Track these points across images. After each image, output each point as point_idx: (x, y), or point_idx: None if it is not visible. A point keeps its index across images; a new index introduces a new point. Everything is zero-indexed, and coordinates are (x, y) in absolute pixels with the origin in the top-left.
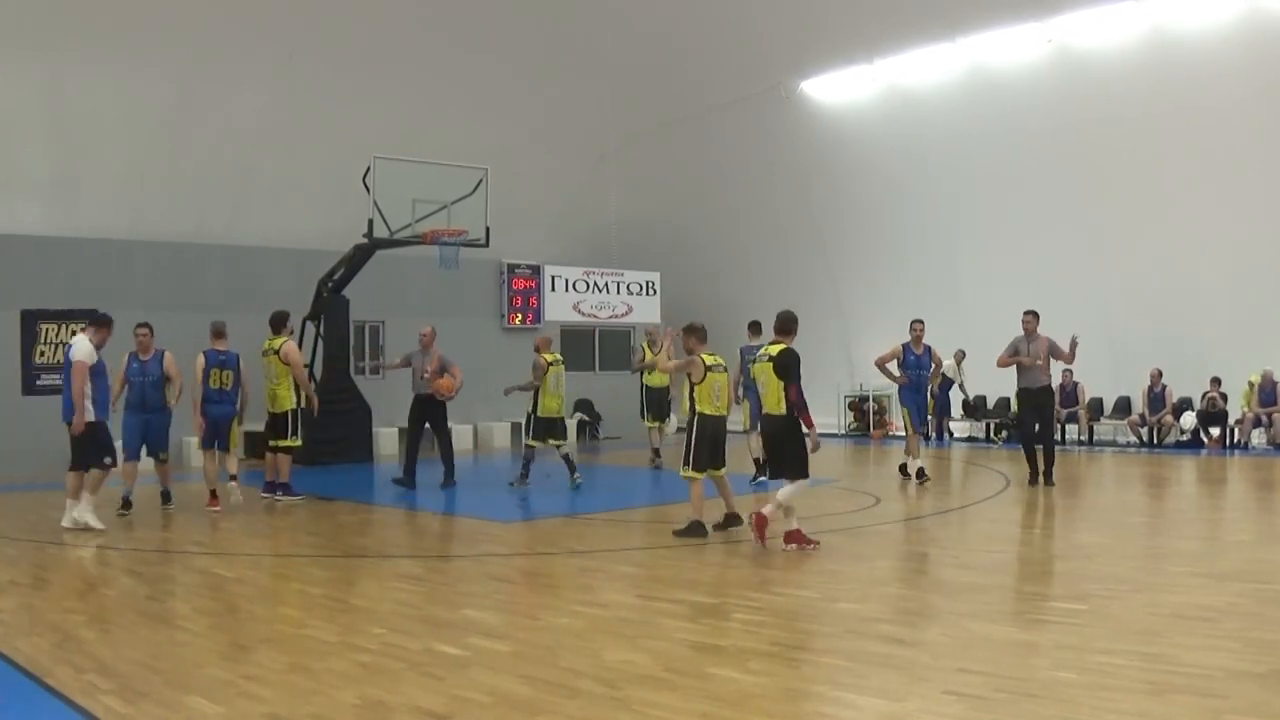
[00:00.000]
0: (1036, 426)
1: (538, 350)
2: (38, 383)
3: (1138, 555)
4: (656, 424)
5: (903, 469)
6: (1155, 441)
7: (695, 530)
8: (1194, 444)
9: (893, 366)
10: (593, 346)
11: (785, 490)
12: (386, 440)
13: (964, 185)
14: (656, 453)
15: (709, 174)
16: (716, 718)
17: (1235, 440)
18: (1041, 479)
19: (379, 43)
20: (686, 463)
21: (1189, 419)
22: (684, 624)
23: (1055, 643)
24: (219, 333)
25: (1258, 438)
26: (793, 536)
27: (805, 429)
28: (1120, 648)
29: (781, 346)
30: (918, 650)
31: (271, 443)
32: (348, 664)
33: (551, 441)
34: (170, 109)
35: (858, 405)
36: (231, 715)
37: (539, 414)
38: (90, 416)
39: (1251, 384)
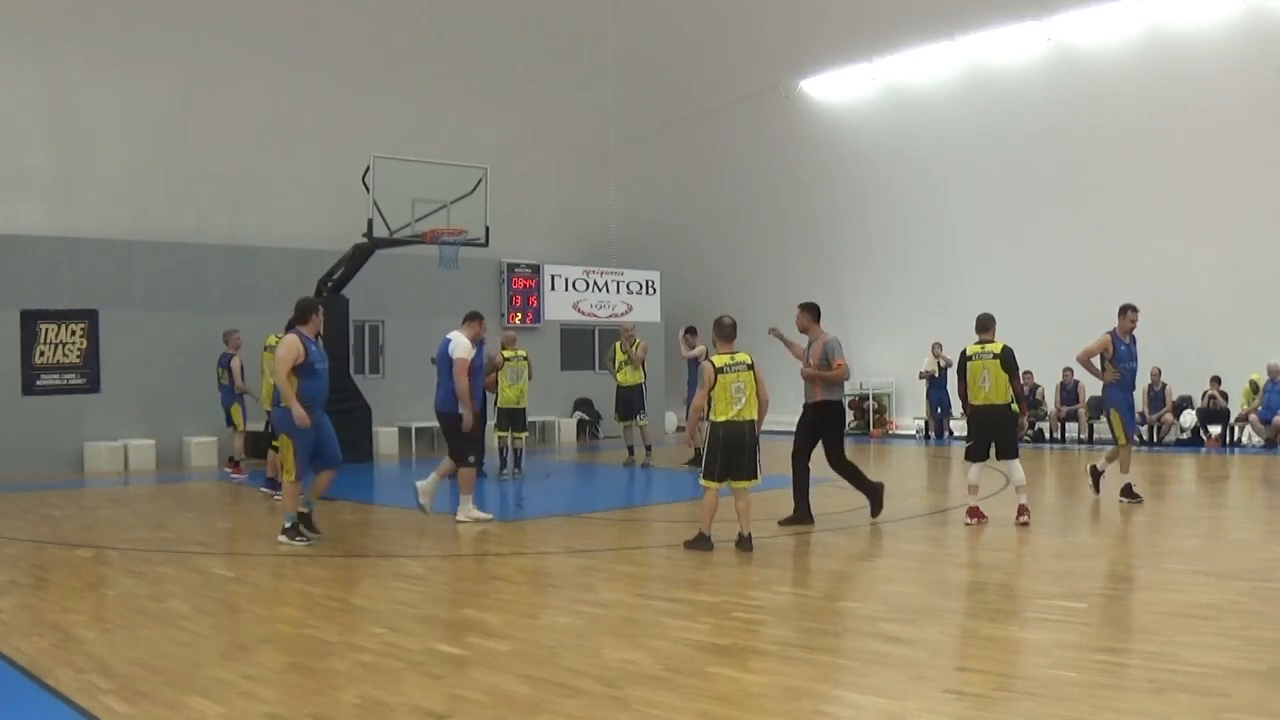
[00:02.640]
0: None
1: (503, 346)
2: (37, 383)
3: (1138, 553)
4: (626, 422)
5: (1097, 482)
6: (1155, 440)
7: (700, 543)
8: (1194, 442)
9: (1096, 361)
10: (592, 346)
11: (1019, 471)
12: (386, 440)
13: (963, 184)
14: (630, 451)
15: (709, 174)
16: (717, 717)
17: (1235, 438)
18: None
19: (379, 43)
20: (701, 469)
21: (1189, 417)
22: (684, 623)
23: (1055, 641)
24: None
25: (1248, 437)
26: (974, 512)
27: (1022, 415)
28: (1120, 646)
29: (1002, 344)
30: (917, 649)
31: (271, 443)
32: (348, 664)
33: (512, 433)
34: (171, 109)
35: (858, 404)
36: (232, 715)
37: (499, 404)
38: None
39: (1253, 382)
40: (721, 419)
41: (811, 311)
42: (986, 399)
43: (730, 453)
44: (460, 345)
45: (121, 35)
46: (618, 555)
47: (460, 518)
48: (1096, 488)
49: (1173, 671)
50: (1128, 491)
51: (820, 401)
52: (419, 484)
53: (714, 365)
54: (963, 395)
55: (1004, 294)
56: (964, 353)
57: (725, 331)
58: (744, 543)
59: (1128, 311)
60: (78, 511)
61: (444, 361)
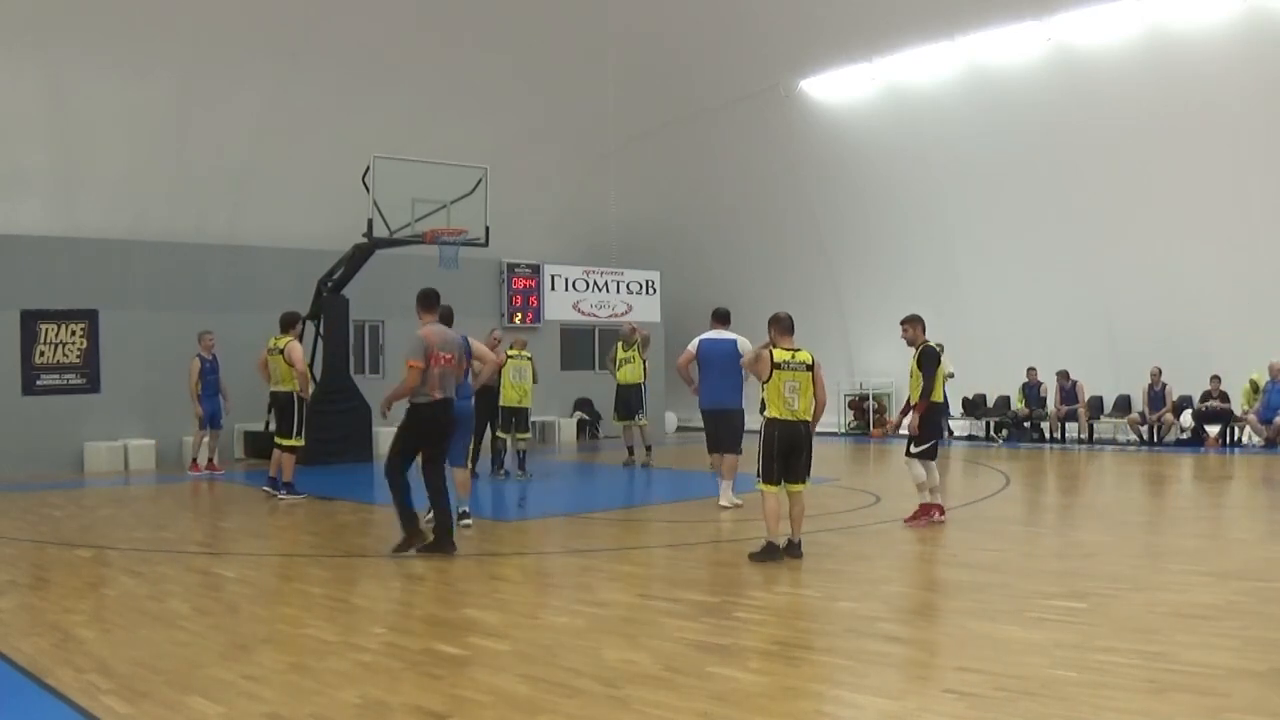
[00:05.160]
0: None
1: (511, 346)
2: (37, 383)
3: (1138, 553)
4: (626, 422)
5: None
6: (1155, 440)
7: (769, 553)
8: (1194, 442)
9: None
10: (592, 346)
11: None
12: (386, 440)
13: (963, 183)
14: (630, 451)
15: (709, 174)
16: (717, 717)
17: (1235, 438)
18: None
19: (379, 42)
20: (758, 474)
21: (1189, 417)
22: (684, 623)
23: (1055, 641)
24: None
25: (1248, 436)
26: (938, 509)
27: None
28: (1120, 646)
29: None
30: (917, 649)
31: (275, 440)
32: (348, 664)
33: (516, 434)
34: (171, 108)
35: (858, 404)
36: (232, 715)
37: (500, 403)
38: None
39: (1253, 382)
40: (775, 416)
41: (421, 302)
42: (941, 396)
43: (787, 454)
44: (746, 343)
45: (121, 35)
46: (618, 555)
47: (723, 503)
48: None
49: (1173, 671)
50: None
51: (432, 402)
52: (724, 499)
53: (771, 358)
54: (929, 393)
55: (1003, 294)
56: (934, 349)
57: (784, 326)
58: (793, 549)
59: None
60: (78, 511)
61: (726, 360)
